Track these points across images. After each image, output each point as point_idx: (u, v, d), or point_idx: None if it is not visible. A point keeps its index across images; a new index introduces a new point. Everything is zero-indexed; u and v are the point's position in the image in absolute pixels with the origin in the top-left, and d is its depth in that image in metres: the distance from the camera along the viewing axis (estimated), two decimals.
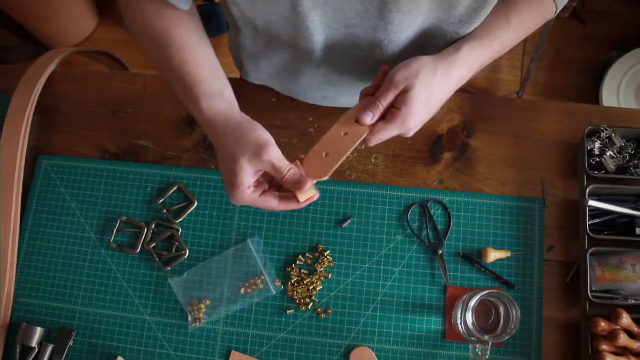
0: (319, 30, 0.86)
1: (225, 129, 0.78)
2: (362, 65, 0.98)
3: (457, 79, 0.84)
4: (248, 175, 0.76)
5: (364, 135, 0.81)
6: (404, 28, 0.85)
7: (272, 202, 0.81)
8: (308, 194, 0.81)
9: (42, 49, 2.53)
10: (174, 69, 0.83)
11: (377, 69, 0.98)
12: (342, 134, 0.82)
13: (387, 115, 0.81)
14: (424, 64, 0.81)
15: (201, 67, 0.83)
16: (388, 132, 0.81)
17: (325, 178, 0.80)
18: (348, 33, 0.88)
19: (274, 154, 0.75)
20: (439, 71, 0.81)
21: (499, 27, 0.87)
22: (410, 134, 0.83)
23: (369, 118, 0.80)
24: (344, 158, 0.81)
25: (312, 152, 0.82)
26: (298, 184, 0.78)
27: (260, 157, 0.75)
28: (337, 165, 0.80)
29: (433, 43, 0.91)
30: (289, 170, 0.77)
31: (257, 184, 0.80)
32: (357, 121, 0.81)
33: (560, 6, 0.92)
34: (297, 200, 0.80)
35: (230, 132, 0.77)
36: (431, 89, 0.81)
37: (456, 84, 0.85)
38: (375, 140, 0.82)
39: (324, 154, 0.81)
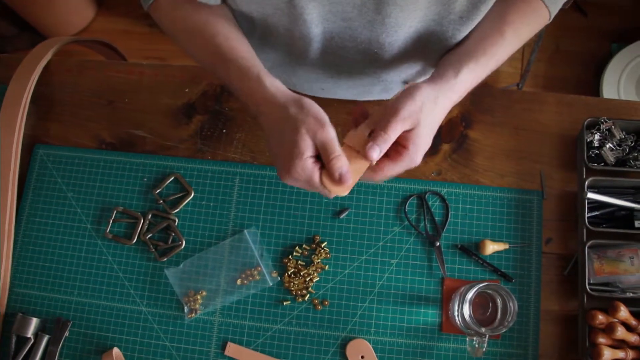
0: (316, 23, 0.85)
1: (288, 101, 0.77)
2: (361, 59, 0.98)
3: (455, 101, 0.83)
4: (309, 146, 0.74)
5: (364, 170, 0.78)
6: (401, 22, 0.84)
7: (316, 180, 0.76)
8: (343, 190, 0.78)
9: (39, 39, 2.52)
10: (223, 55, 0.83)
11: (375, 62, 0.97)
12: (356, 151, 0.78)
13: (393, 154, 0.78)
14: (427, 94, 0.78)
15: (251, 51, 0.85)
16: (396, 171, 0.79)
17: (346, 193, 0.78)
18: (345, 27, 0.87)
19: (331, 133, 0.74)
20: (440, 99, 0.79)
21: (494, 43, 0.85)
22: (418, 164, 0.80)
23: (376, 154, 0.75)
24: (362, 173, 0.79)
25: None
26: (341, 177, 0.74)
27: (317, 132, 0.74)
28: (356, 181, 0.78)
29: (433, 40, 0.91)
30: (338, 155, 0.74)
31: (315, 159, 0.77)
32: (360, 152, 0.77)
33: (554, 12, 0.91)
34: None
35: (293, 103, 0.76)
36: (433, 119, 0.79)
37: (452, 105, 0.84)
38: (382, 179, 0.80)
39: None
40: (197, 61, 0.91)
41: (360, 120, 0.81)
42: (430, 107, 0.78)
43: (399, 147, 0.78)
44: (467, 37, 0.90)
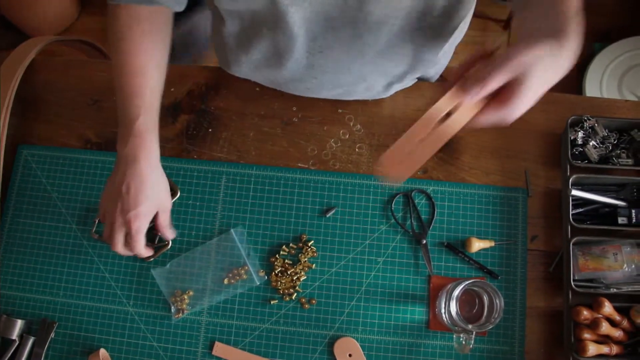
0: (299, 24, 0.85)
1: (150, 158, 0.96)
2: (344, 58, 0.98)
3: (567, 59, 0.73)
4: (149, 214, 0.97)
5: (460, 126, 0.72)
6: (384, 20, 0.84)
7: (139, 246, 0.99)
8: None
9: (22, 38, 2.49)
10: (120, 70, 0.94)
11: (359, 61, 0.97)
12: (417, 140, 0.73)
13: (494, 101, 0.72)
14: (544, 50, 0.69)
15: (148, 78, 0.93)
16: (494, 117, 0.72)
17: (405, 179, 0.76)
18: (328, 26, 0.87)
19: (165, 220, 1.02)
20: (560, 59, 0.71)
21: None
22: (510, 122, 0.73)
23: (477, 90, 0.69)
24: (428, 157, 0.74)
25: (392, 149, 0.73)
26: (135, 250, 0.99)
27: (158, 213, 1.00)
28: (418, 166, 0.75)
29: (416, 37, 0.91)
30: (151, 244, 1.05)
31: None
32: (461, 93, 0.71)
33: None
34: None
35: (154, 167, 0.98)
36: (546, 77, 0.71)
37: (566, 65, 0.74)
38: (483, 122, 0.72)
39: (407, 151, 0.74)
40: None
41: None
42: (548, 64, 0.70)
43: (501, 95, 0.71)
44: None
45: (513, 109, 0.70)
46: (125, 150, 0.93)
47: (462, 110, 0.71)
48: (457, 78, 0.73)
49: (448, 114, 0.72)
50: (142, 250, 0.99)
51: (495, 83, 0.69)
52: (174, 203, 1.13)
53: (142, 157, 0.93)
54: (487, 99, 0.72)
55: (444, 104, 0.71)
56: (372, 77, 1.06)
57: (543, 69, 0.69)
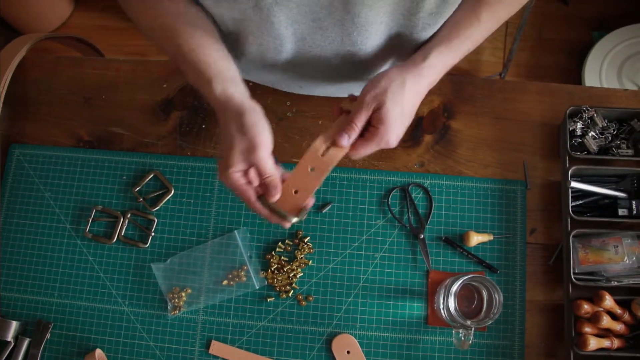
0: (285, 25, 0.84)
1: (233, 114, 0.80)
2: (334, 58, 0.96)
3: (426, 86, 0.85)
4: (239, 162, 0.79)
5: (337, 160, 0.82)
6: (371, 20, 0.83)
7: (250, 194, 0.82)
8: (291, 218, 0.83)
9: (14, 35, 2.47)
10: (183, 56, 0.84)
11: (350, 61, 0.96)
12: (309, 169, 0.83)
13: (367, 134, 0.82)
14: (392, 78, 0.81)
15: (211, 54, 0.85)
16: (369, 149, 0.83)
17: (297, 215, 0.83)
18: (316, 27, 0.86)
19: (261, 157, 0.78)
20: (407, 83, 0.81)
21: (469, 25, 0.85)
22: (394, 145, 0.84)
23: (345, 140, 0.81)
24: (313, 192, 0.83)
25: (282, 189, 0.82)
26: (271, 190, 0.81)
27: (249, 154, 0.78)
28: (305, 201, 0.83)
29: (404, 36, 0.90)
30: (268, 177, 0.80)
31: (245, 173, 0.81)
32: (334, 143, 0.82)
33: None
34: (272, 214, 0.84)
35: (236, 118, 0.80)
36: (402, 101, 0.81)
37: (426, 89, 0.85)
38: (357, 156, 0.84)
39: (293, 190, 0.83)
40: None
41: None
42: (397, 89, 0.80)
43: (371, 128, 0.82)
44: (444, 23, 0.89)
45: (385, 134, 0.81)
46: None
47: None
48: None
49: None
50: None
51: (360, 122, 0.81)
52: (167, 201, 1.12)
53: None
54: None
55: (319, 144, 0.83)
56: (364, 75, 1.04)
57: (396, 91, 0.80)
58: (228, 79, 0.83)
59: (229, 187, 0.81)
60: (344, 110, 0.86)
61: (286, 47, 0.92)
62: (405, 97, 0.81)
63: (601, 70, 2.16)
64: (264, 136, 0.79)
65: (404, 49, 0.95)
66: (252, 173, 0.81)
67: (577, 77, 2.26)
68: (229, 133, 0.80)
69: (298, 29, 0.87)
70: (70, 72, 1.23)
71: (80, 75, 1.22)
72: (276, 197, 0.81)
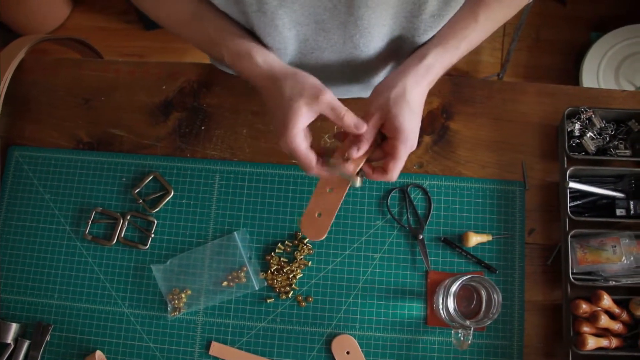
0: (288, 27, 0.84)
1: (282, 76, 0.80)
2: (336, 60, 0.97)
3: (426, 85, 0.85)
4: (303, 118, 0.78)
5: (350, 183, 0.83)
6: (374, 22, 0.83)
7: (312, 158, 0.81)
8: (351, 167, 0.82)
9: (13, 37, 2.47)
10: (213, 40, 0.86)
11: (352, 63, 0.97)
12: (327, 190, 0.84)
13: (389, 149, 0.82)
14: (392, 85, 0.81)
15: (239, 31, 0.86)
16: (400, 162, 0.82)
17: (323, 237, 0.84)
18: (319, 29, 0.86)
19: (331, 96, 0.78)
20: (408, 85, 0.81)
21: (466, 26, 0.86)
22: (415, 147, 0.83)
23: (355, 151, 0.81)
24: (336, 212, 0.83)
25: (305, 215, 0.84)
26: (357, 126, 0.80)
27: (318, 99, 0.77)
28: (331, 222, 0.83)
29: (406, 38, 0.90)
30: (346, 112, 0.79)
31: (305, 136, 0.81)
32: (346, 159, 0.82)
33: None
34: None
35: (288, 79, 0.80)
36: (409, 105, 0.81)
37: (427, 88, 0.85)
38: (395, 175, 0.83)
39: (316, 214, 0.84)
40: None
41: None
42: (400, 94, 0.80)
43: (390, 141, 0.82)
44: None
45: (407, 140, 0.80)
46: None
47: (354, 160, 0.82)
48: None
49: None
50: None
51: (368, 134, 0.81)
52: (167, 203, 1.12)
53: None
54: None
55: (335, 161, 0.83)
56: (365, 77, 1.05)
57: (401, 98, 0.80)
58: (265, 49, 0.85)
59: (289, 151, 0.81)
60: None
61: (289, 49, 0.92)
62: (410, 99, 0.81)
63: (599, 70, 2.16)
64: (320, 83, 0.80)
65: (405, 51, 0.95)
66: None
67: (574, 77, 2.26)
68: (286, 93, 0.79)
69: (301, 31, 0.87)
70: (70, 73, 1.23)
71: (80, 76, 1.22)
72: (363, 128, 0.80)
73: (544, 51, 2.47)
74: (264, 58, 0.83)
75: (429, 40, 0.89)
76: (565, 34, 2.47)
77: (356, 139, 0.81)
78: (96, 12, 2.67)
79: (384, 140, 0.84)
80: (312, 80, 0.79)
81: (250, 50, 0.84)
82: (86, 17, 2.67)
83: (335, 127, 1.09)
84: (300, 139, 0.79)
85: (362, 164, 0.82)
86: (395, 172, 0.83)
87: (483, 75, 2.42)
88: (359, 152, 0.81)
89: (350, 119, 0.79)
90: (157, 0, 0.88)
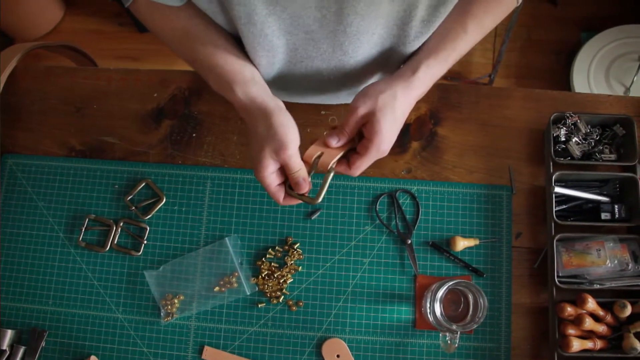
0: (277, 35, 0.85)
1: (259, 115, 0.84)
2: (326, 67, 0.97)
3: (415, 97, 0.87)
4: (270, 167, 0.82)
5: (329, 165, 0.85)
6: (363, 30, 0.84)
7: (279, 195, 0.86)
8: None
9: (5, 41, 2.47)
10: (202, 62, 0.89)
11: (341, 70, 0.98)
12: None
13: (361, 149, 0.85)
14: (382, 89, 0.84)
15: (229, 56, 0.88)
16: (366, 162, 0.86)
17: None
18: (308, 38, 0.87)
19: (289, 155, 0.81)
20: (398, 94, 0.84)
21: (455, 37, 0.87)
22: (386, 154, 0.86)
23: (335, 141, 0.85)
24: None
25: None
26: (297, 185, 0.84)
27: (278, 154, 0.81)
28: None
29: (396, 45, 0.91)
30: (296, 172, 0.83)
31: (279, 174, 0.85)
32: (325, 145, 0.86)
33: None
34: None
35: (263, 120, 0.83)
36: (394, 113, 0.83)
37: (415, 100, 0.88)
38: (358, 172, 0.87)
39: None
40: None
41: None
42: (388, 100, 0.83)
43: (364, 141, 0.85)
44: (432, 34, 0.91)
45: (380, 144, 0.83)
46: None
47: (330, 151, 0.86)
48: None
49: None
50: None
51: (349, 128, 0.85)
52: (159, 209, 1.13)
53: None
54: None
55: (312, 151, 0.86)
56: (354, 84, 1.06)
57: (387, 103, 0.83)
58: (247, 80, 0.87)
59: (262, 185, 0.85)
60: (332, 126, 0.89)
61: (278, 58, 0.93)
62: (397, 107, 0.83)
63: (589, 70, 2.18)
64: (291, 135, 0.82)
65: (394, 57, 0.96)
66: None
67: (565, 77, 2.28)
68: (258, 134, 0.83)
69: (290, 40, 0.88)
70: (62, 81, 1.24)
71: (72, 84, 1.23)
72: (305, 189, 0.84)
73: (536, 51, 2.48)
74: (244, 90, 0.86)
75: (420, 52, 0.90)
76: (557, 35, 2.49)
77: (337, 131, 0.85)
78: (89, 15, 2.67)
79: (360, 140, 0.86)
80: (282, 131, 0.81)
81: (232, 83, 0.86)
82: (79, 20, 2.67)
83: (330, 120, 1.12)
84: (269, 180, 0.84)
85: (336, 159, 0.85)
86: (359, 169, 0.86)
87: (475, 76, 2.44)
88: (337, 143, 0.85)
89: (295, 178, 0.83)
90: (152, 12, 0.89)
